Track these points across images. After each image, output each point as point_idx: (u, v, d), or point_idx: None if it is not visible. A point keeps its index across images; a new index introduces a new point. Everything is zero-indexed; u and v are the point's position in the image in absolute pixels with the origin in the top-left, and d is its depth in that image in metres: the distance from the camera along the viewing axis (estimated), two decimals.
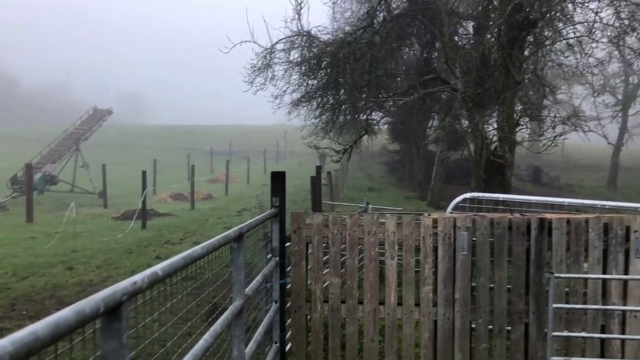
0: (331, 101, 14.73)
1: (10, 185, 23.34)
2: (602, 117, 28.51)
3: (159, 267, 2.05)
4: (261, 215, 4.55)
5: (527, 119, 10.85)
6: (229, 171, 29.90)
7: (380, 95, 12.73)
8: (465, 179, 26.89)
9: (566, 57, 11.81)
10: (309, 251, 5.33)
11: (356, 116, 13.79)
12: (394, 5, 14.30)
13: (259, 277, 4.27)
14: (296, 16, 13.58)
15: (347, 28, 14.14)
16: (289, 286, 5.31)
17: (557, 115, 11.64)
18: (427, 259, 5.19)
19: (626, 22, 9.85)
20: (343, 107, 14.74)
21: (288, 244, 5.44)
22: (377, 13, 12.21)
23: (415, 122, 23.66)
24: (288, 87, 15.18)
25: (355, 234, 5.24)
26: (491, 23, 10.28)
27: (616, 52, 20.92)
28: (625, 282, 4.99)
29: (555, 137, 9.85)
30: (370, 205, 10.83)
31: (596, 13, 9.63)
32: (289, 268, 5.44)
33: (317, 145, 12.59)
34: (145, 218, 17.88)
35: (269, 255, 5.11)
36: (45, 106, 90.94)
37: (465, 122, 20.76)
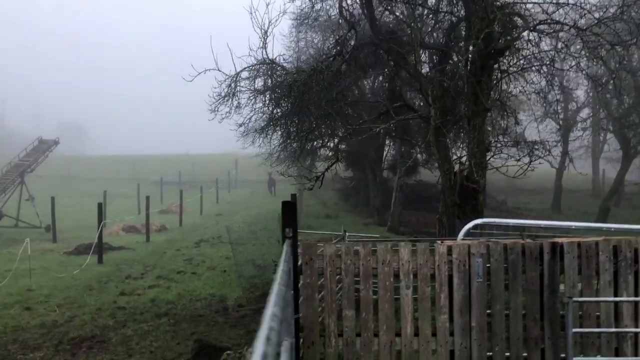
0: (294, 129, 14.63)
1: None
2: (547, 142, 29.66)
3: None
4: (282, 254, 4.29)
5: (499, 145, 11.10)
6: (180, 201, 29.12)
7: (350, 123, 12.72)
8: (421, 204, 27.27)
9: (531, 84, 12.23)
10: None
11: (326, 143, 13.72)
12: (360, 35, 14.47)
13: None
14: (262, 44, 13.48)
15: (308, 58, 14.16)
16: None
17: (529, 141, 12.01)
18: (443, 287, 5.08)
19: (587, 51, 10.34)
20: (310, 135, 14.66)
21: None
22: (346, 42, 12.28)
23: (372, 149, 23.88)
24: (253, 115, 15.00)
25: (369, 264, 5.07)
26: (466, 51, 10.51)
27: (556, 80, 21.91)
28: (636, 304, 5.04)
29: (530, 161, 10.11)
30: (347, 233, 10.68)
31: (566, 45, 10.06)
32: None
33: (288, 173, 12.40)
34: (101, 252, 17.04)
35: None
36: None
37: (423, 149, 21.15)
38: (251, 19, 13.32)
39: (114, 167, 55.30)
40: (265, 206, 33.34)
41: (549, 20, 9.59)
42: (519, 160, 10.22)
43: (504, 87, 13.31)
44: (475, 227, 6.45)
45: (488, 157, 11.24)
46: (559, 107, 29.84)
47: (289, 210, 4.94)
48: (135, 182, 38.57)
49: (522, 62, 12.20)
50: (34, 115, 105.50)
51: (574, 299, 4.74)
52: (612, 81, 14.20)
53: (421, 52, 14.24)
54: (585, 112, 31.95)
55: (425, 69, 14.73)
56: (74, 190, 41.40)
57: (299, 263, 5.03)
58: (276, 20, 13.37)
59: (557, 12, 10.94)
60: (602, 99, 27.18)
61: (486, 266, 5.08)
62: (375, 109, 14.02)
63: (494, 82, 11.76)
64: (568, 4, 10.07)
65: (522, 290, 5.09)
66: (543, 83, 13.59)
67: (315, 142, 14.28)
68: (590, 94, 29.11)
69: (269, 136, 16.02)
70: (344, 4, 12.48)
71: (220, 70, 14.03)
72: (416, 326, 5.08)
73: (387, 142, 24.83)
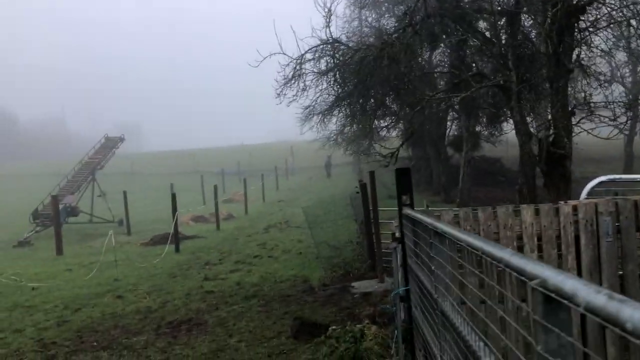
0: (358, 108, 14.41)
1: (32, 220, 22.82)
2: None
3: None
4: (421, 215, 4.16)
5: (588, 107, 10.54)
6: (244, 190, 29.51)
7: (422, 97, 12.38)
8: (486, 179, 26.60)
9: (616, 43, 11.56)
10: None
11: (394, 121, 13.47)
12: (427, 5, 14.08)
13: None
14: (326, 23, 13.32)
15: (361, 37, 13.85)
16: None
17: (621, 101, 11.39)
18: (570, 248, 4.82)
19: None
20: (377, 112, 14.43)
21: None
22: (416, 12, 11.94)
23: (434, 124, 23.37)
24: (318, 97, 14.88)
25: (490, 229, 4.86)
26: (543, 11, 10.01)
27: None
28: None
29: (627, 121, 9.57)
30: (430, 208, 10.47)
31: None
32: None
33: (360, 152, 12.25)
34: (177, 241, 17.44)
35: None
36: (44, 141, 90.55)
37: (485, 123, 20.52)
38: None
39: (174, 161, 56.70)
40: (324, 191, 33.39)
41: None
42: (614, 119, 9.68)
43: (585, 47, 12.66)
44: (600, 183, 6.12)
45: (575, 121, 10.73)
46: (626, 70, 28.40)
47: (405, 176, 4.79)
48: (197, 175, 39.38)
49: (606, 18, 11.54)
50: (91, 117, 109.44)
51: None
52: None
53: (493, 17, 13.73)
54: None
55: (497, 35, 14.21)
56: (138, 185, 42.66)
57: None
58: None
59: None
60: None
61: (615, 225, 4.79)
62: (442, 83, 13.61)
63: (575, 42, 11.18)
64: None
65: None
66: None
67: (381, 121, 14.02)
68: None
69: (333, 117, 15.89)
70: None
71: (284, 54, 13.98)
72: None
73: (449, 118, 24.28)
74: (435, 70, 13.30)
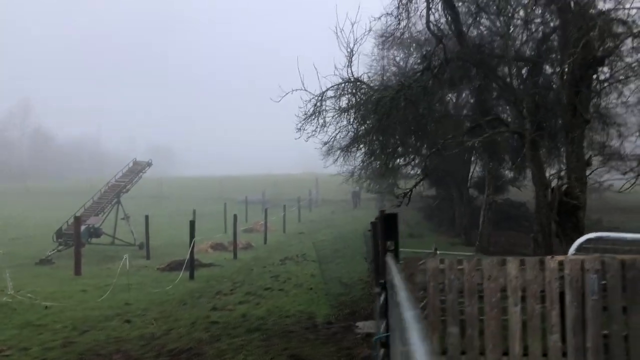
0: (378, 147, 14.59)
1: (55, 239, 23.41)
2: None
3: None
4: (389, 265, 4.26)
5: (602, 159, 10.51)
6: (265, 220, 29.77)
7: (438, 139, 12.51)
8: (510, 223, 26.29)
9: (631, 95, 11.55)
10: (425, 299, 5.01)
11: (412, 160, 13.58)
12: (448, 49, 14.31)
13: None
14: (347, 62, 13.64)
15: (389, 76, 14.17)
16: None
17: (635, 154, 11.31)
18: (554, 304, 4.82)
19: None
20: (395, 152, 14.56)
21: None
22: (434, 56, 12.16)
23: (457, 166, 23.34)
24: (338, 133, 15.11)
25: (474, 280, 4.91)
26: (561, 62, 10.11)
27: None
28: None
29: (638, 175, 9.49)
30: (438, 251, 10.45)
31: None
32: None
33: (378, 189, 12.37)
34: (192, 269, 17.67)
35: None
36: (78, 159, 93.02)
37: (512, 167, 20.41)
38: (337, 38, 13.54)
39: (202, 187, 57.59)
40: (346, 225, 33.38)
41: None
42: (625, 173, 9.61)
43: (604, 98, 12.65)
44: (588, 241, 6.10)
45: (589, 172, 10.68)
46: None
47: (390, 222, 4.89)
48: (222, 202, 39.88)
49: (624, 70, 11.56)
50: (127, 138, 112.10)
51: None
52: None
53: (515, 64, 13.86)
54: None
55: (515, 82, 14.31)
56: (165, 209, 43.39)
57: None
58: (362, 39, 13.53)
59: None
60: None
61: (601, 283, 4.78)
62: (461, 125, 13.72)
63: (593, 93, 11.20)
64: None
65: None
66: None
67: (399, 160, 14.15)
68: None
69: (352, 154, 16.08)
70: (431, 18, 12.40)
71: (306, 90, 14.32)
72: (525, 346, 4.85)
73: (473, 159, 24.21)
74: (453, 114, 13.41)
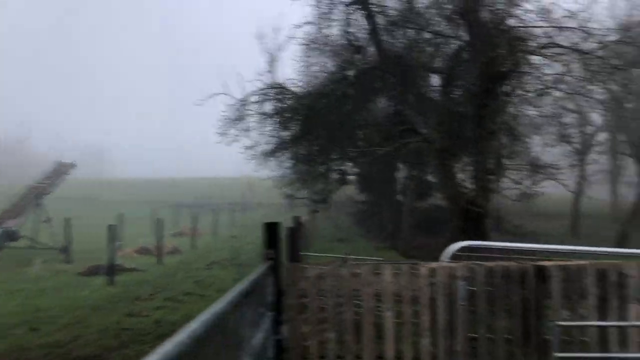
0: (302, 152, 14.78)
1: None
2: (562, 166, 29.35)
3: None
4: (258, 271, 4.38)
5: (503, 169, 11.07)
6: (195, 224, 29.40)
7: (357, 146, 12.80)
8: (435, 228, 27.07)
9: (535, 107, 12.22)
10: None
11: (331, 167, 13.82)
12: (367, 58, 14.63)
13: (259, 334, 4.06)
14: (270, 68, 13.76)
15: (316, 81, 14.43)
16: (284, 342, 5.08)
17: (527, 165, 11.96)
18: (426, 310, 5.07)
19: (591, 74, 10.33)
20: (317, 157, 14.78)
21: None
22: (349, 66, 12.45)
23: (384, 172, 23.85)
24: (261, 139, 15.18)
25: (351, 286, 5.09)
26: (470, 75, 10.59)
27: (575, 103, 21.81)
28: (623, 329, 4.96)
29: (533, 184, 10.06)
30: (349, 256, 10.69)
31: (566, 65, 10.08)
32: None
33: (293, 195, 12.51)
34: (112, 274, 17.22)
35: (264, 311, 4.90)
36: (4, 162, 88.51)
37: (435, 173, 21.08)
38: (260, 44, 13.63)
39: (134, 189, 56.09)
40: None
41: (551, 44, 9.63)
42: (519, 183, 10.17)
43: (513, 110, 13.30)
44: (463, 249, 6.43)
45: (501, 181, 11.20)
46: (573, 131, 29.59)
47: (272, 231, 5.00)
48: (155, 205, 39.06)
49: (534, 85, 12.21)
50: (58, 140, 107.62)
51: (558, 323, 4.69)
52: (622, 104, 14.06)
53: (429, 75, 14.34)
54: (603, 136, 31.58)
55: (431, 94, 14.82)
56: (95, 212, 41.97)
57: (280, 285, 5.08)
58: (284, 46, 13.66)
59: (561, 35, 10.99)
60: (618, 122, 26.93)
61: (470, 289, 5.06)
62: (381, 134, 14.08)
63: (500, 105, 11.77)
64: (571, 28, 10.11)
65: (506, 314, 5.05)
66: (555, 106, 13.54)
67: (322, 166, 14.38)
68: (607, 118, 28.85)
69: (278, 159, 16.18)
70: (352, 29, 12.69)
71: (227, 94, 14.34)
72: (399, 349, 5.06)
73: (399, 166, 24.81)
74: (368, 123, 13.75)
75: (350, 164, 15.66)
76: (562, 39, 10.51)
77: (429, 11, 12.90)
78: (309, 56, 14.64)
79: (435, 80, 14.56)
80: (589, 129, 28.86)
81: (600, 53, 9.99)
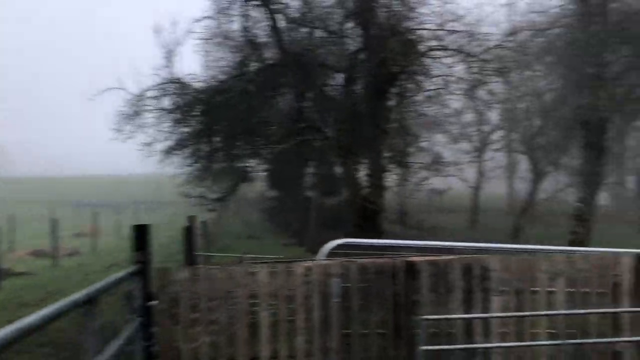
0: (205, 149, 14.46)
1: None
2: (461, 162, 30.81)
3: None
4: (119, 273, 4.20)
5: (395, 166, 11.40)
6: (96, 224, 28.10)
7: (257, 143, 12.71)
8: (342, 224, 27.49)
9: (427, 107, 12.69)
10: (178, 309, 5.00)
11: (232, 164, 13.62)
12: (267, 55, 14.54)
13: (117, 342, 3.89)
14: (167, 63, 13.36)
15: (216, 77, 14.17)
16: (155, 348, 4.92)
17: (421, 162, 12.41)
18: (301, 308, 5.08)
19: (477, 76, 10.87)
20: (218, 154, 14.52)
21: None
22: (250, 62, 12.32)
23: (292, 169, 23.91)
24: (159, 135, 14.69)
25: (225, 287, 5.01)
26: (365, 75, 10.79)
27: (470, 103, 22.85)
28: (486, 320, 5.22)
29: (421, 182, 10.44)
30: (247, 255, 10.58)
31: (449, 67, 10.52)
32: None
33: (190, 193, 12.23)
34: None
35: (132, 316, 4.72)
36: None
37: (340, 170, 21.38)
38: (157, 37, 13.18)
39: (30, 188, 52.78)
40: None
41: (439, 47, 10.01)
42: (406, 180, 10.54)
43: (412, 109, 13.71)
44: (341, 247, 6.54)
45: (398, 178, 11.48)
46: (471, 129, 31.15)
47: (141, 233, 4.82)
48: (56, 204, 36.93)
49: (426, 86, 12.65)
50: None
51: (424, 317, 4.86)
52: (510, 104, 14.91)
53: (330, 74, 14.48)
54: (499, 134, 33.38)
55: (335, 92, 14.98)
56: None
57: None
58: (182, 40, 13.30)
59: (450, 38, 11.47)
60: (512, 121, 28.61)
61: (345, 286, 5.13)
62: (284, 131, 14.05)
63: (395, 105, 12.11)
64: (458, 31, 10.56)
65: (378, 309, 5.17)
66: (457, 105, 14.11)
67: (223, 163, 14.13)
68: (501, 117, 30.56)
69: (177, 156, 15.74)
70: (247, 25, 12.55)
71: (123, 89, 13.77)
72: (274, 348, 5.05)
73: (308, 162, 24.96)
74: (267, 120, 13.67)
75: (254, 161, 15.51)
76: (451, 42, 10.97)
77: (328, 10, 13.02)
78: (208, 51, 14.35)
79: (337, 79, 14.73)
80: (486, 128, 30.39)
81: (485, 56, 10.52)
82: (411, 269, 5.21)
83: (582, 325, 5.44)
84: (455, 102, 14.12)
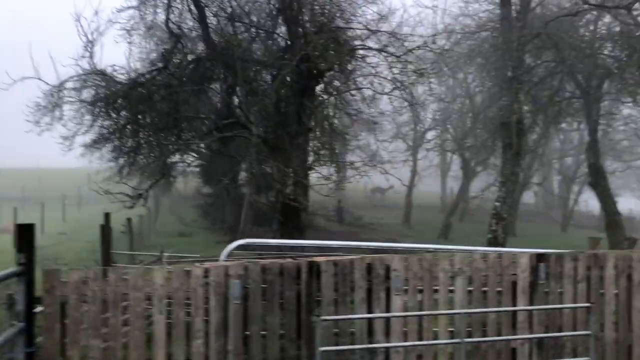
0: (129, 144, 14.00)
1: None
2: (396, 161, 31.38)
3: None
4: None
5: (320, 164, 11.41)
6: (17, 220, 26.75)
7: (182, 138, 12.42)
8: (272, 221, 27.40)
9: (355, 107, 12.77)
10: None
11: (156, 159, 13.22)
12: (194, 48, 14.23)
13: None
14: (87, 53, 12.85)
15: (140, 70, 13.73)
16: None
17: (346, 161, 12.48)
18: (199, 310, 4.96)
19: (398, 77, 11.04)
20: (142, 150, 14.10)
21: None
22: (173, 56, 12.00)
23: (226, 165, 23.58)
24: (80, 129, 14.12)
25: (119, 290, 4.82)
26: (283, 72, 10.70)
27: (403, 103, 23.23)
28: (387, 319, 5.27)
29: (339, 180, 10.49)
30: (165, 254, 10.32)
31: (374, 68, 10.62)
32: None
33: (109, 190, 11.81)
34: None
35: (13, 321, 4.47)
36: None
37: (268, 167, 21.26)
38: (77, 27, 12.67)
39: None
40: (117, 225, 31.65)
41: (361, 46, 10.07)
42: (327, 178, 10.58)
43: (337, 107, 13.76)
44: (239, 247, 6.46)
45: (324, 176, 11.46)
46: (407, 128, 31.76)
47: (24, 234, 4.56)
48: None
49: (350, 85, 12.71)
50: None
51: (323, 317, 4.84)
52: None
53: (258, 70, 14.30)
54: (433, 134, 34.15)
55: (263, 88, 14.82)
56: None
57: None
58: (105, 29, 12.84)
59: (377, 38, 11.57)
60: (444, 122, 29.37)
61: (246, 287, 5.05)
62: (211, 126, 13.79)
63: (320, 102, 12.11)
64: (383, 31, 10.66)
65: (280, 310, 5.12)
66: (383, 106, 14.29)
67: (147, 158, 13.72)
68: (437, 117, 31.33)
69: (100, 151, 15.22)
70: (171, 17, 12.23)
71: (42, 80, 13.18)
72: (170, 353, 4.91)
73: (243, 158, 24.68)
74: (191, 115, 13.36)
75: (181, 156, 15.16)
76: (376, 42, 11.08)
77: (257, 5, 12.89)
78: (131, 42, 13.86)
79: (265, 75, 14.60)
80: (420, 127, 31.02)
81: (407, 58, 10.69)
82: (314, 269, 5.18)
83: (480, 323, 5.58)
84: (387, 102, 14.26)
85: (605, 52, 18.87)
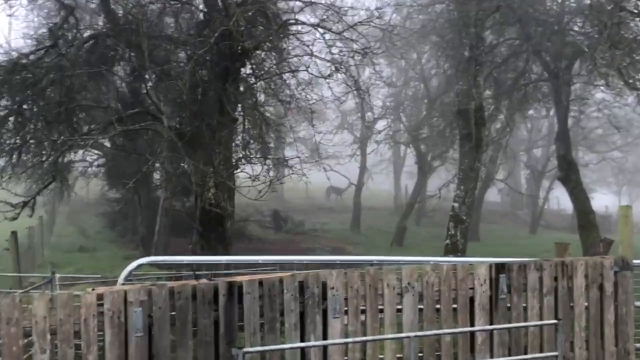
0: (11, 140, 13.41)
1: None
2: (342, 156, 31.58)
3: None
4: None
5: (248, 161, 11.26)
6: None
7: (77, 131, 11.98)
8: (192, 230, 26.98)
9: (291, 94, 12.69)
10: None
11: (49, 158, 12.68)
12: (95, 23, 13.80)
13: None
14: None
15: (26, 49, 13.13)
16: None
17: (277, 157, 12.37)
18: (92, 347, 4.75)
19: (338, 57, 11.03)
20: (29, 147, 13.54)
21: None
22: (65, 31, 11.56)
23: (135, 163, 22.99)
24: None
25: None
26: (200, 52, 10.49)
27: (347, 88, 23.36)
28: (325, 348, 5.22)
29: (270, 181, 10.38)
30: (57, 275, 9.90)
31: (310, 47, 10.57)
32: None
33: None
34: None
35: None
36: None
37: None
38: None
39: None
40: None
41: (293, 21, 10.00)
42: (254, 180, 10.46)
43: (268, 94, 13.63)
44: (139, 267, 6.28)
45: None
46: (354, 117, 31.96)
47: None
48: None
49: (281, 67, 12.61)
50: None
51: (246, 349, 4.74)
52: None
53: (171, 49, 14.02)
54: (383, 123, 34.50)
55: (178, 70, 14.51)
56: None
57: None
58: None
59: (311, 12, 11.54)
60: (396, 109, 29.74)
61: (150, 316, 4.87)
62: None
63: (248, 87, 11.96)
64: (314, 3, 10.62)
65: (194, 342, 4.98)
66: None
67: (35, 158, 13.17)
68: (387, 104, 31.69)
69: None
70: None
71: None
72: None
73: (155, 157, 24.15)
74: (91, 105, 12.90)
75: (97, 154, 14.61)
76: (311, 16, 11.05)
77: None
78: (12, 15, 13.27)
79: (179, 55, 14.31)
80: (368, 116, 31.24)
81: (350, 35, 10.70)
82: (235, 291, 5.07)
83: (434, 348, 5.62)
84: (328, 87, 14.26)
85: (575, 28, 19.55)
